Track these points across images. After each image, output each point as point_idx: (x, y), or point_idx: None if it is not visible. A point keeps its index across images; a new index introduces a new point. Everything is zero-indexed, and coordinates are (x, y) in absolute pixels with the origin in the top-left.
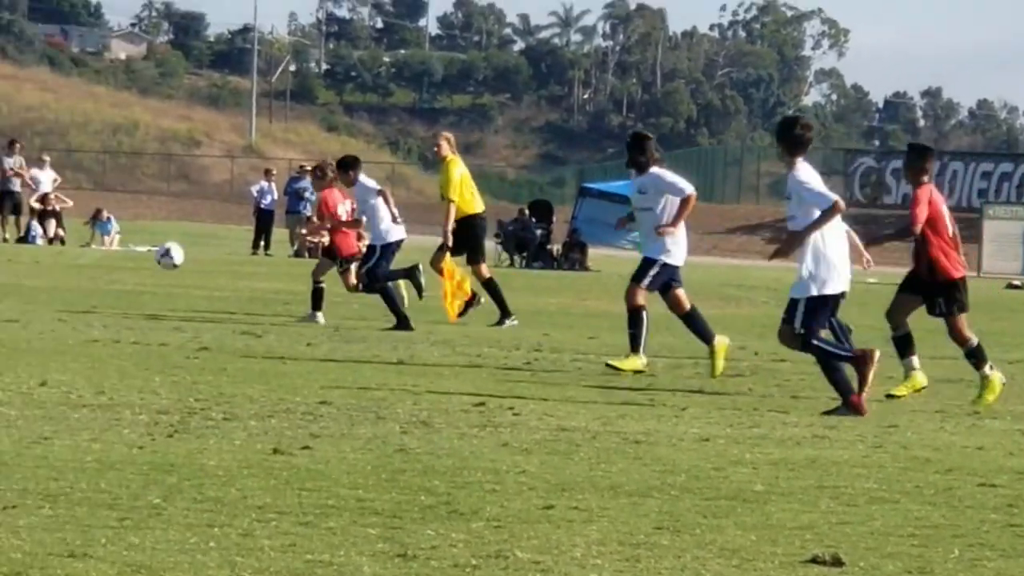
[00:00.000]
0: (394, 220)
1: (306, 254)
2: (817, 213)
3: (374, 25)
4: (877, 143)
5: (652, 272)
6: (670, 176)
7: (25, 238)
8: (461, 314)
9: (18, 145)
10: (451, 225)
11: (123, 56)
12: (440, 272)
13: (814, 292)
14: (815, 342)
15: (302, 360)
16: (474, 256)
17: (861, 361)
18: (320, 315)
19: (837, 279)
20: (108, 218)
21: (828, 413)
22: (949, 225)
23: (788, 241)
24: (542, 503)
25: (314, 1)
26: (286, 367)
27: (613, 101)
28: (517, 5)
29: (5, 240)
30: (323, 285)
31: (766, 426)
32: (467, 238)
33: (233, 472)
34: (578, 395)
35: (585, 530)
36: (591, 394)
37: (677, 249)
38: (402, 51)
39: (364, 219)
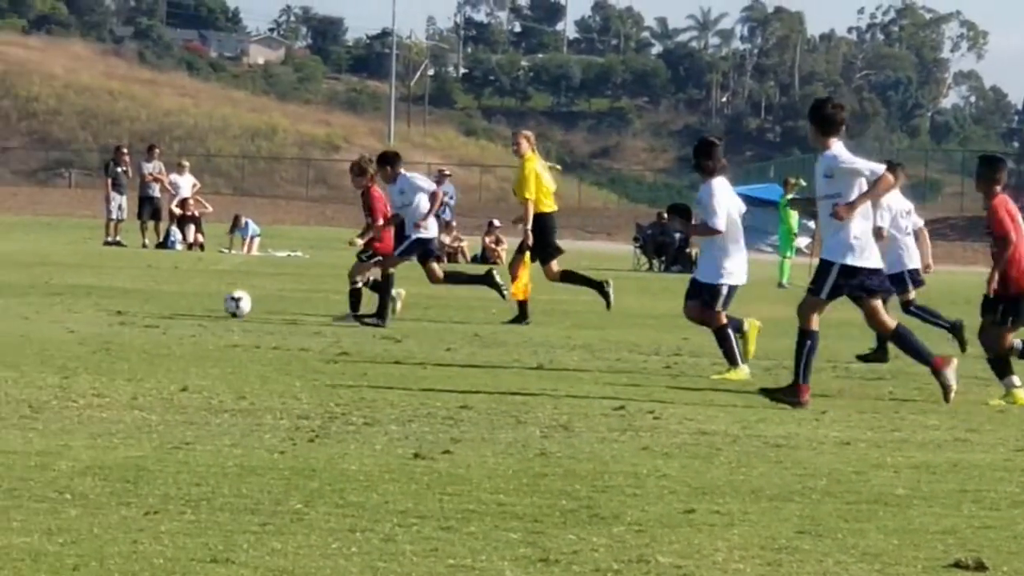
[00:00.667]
0: (424, 217)
1: (444, 258)
2: (866, 186)
3: (512, 29)
4: (1016, 145)
5: (722, 297)
6: (714, 199)
7: (165, 243)
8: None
9: (157, 150)
10: (531, 224)
11: (261, 61)
12: (515, 276)
13: (849, 260)
14: (811, 329)
15: (442, 365)
16: (544, 256)
17: (796, 392)
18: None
19: (868, 255)
20: (246, 223)
21: (767, 393)
22: None
23: (849, 206)
24: (683, 507)
25: (452, 5)
26: (426, 372)
27: (751, 104)
28: (655, 8)
29: (145, 246)
30: (359, 286)
31: (907, 430)
32: (537, 237)
33: (374, 477)
34: (718, 399)
35: (726, 534)
36: (731, 398)
37: (738, 269)
38: (540, 55)
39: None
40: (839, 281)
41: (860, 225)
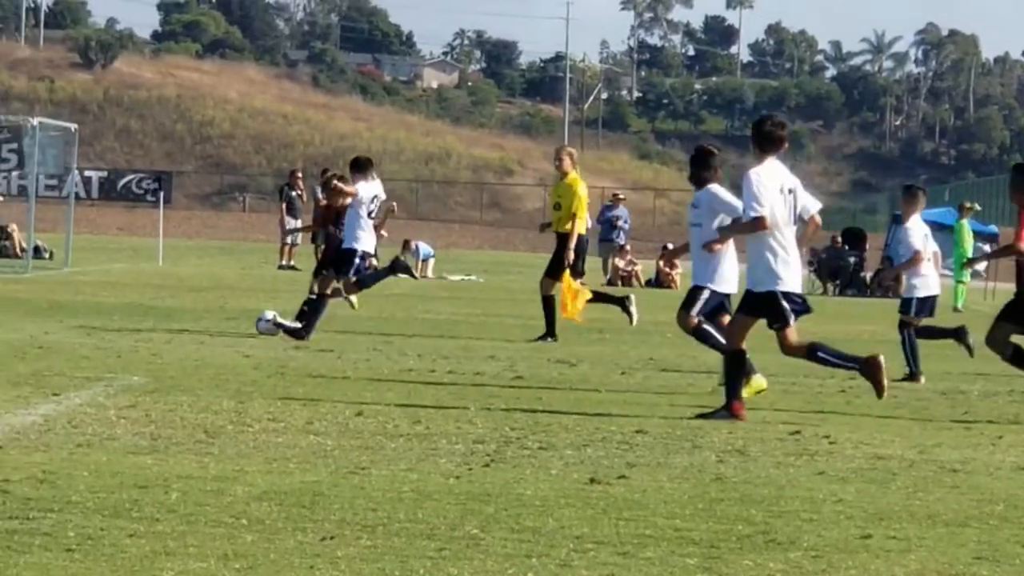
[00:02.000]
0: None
1: (619, 282)
2: (782, 209)
3: (686, 52)
4: None
5: (701, 300)
6: (726, 196)
7: None
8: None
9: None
10: (574, 242)
11: (435, 85)
12: (572, 295)
13: (781, 287)
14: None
15: (617, 389)
16: (553, 271)
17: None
18: (353, 299)
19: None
20: (416, 246)
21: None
22: None
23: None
24: (860, 532)
25: (626, 29)
26: (601, 396)
27: (925, 127)
28: (829, 32)
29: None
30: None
31: None
32: (559, 253)
33: (550, 502)
34: (893, 423)
35: (903, 560)
36: (906, 422)
37: (724, 276)
38: (714, 78)
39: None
40: (792, 300)
41: (794, 250)
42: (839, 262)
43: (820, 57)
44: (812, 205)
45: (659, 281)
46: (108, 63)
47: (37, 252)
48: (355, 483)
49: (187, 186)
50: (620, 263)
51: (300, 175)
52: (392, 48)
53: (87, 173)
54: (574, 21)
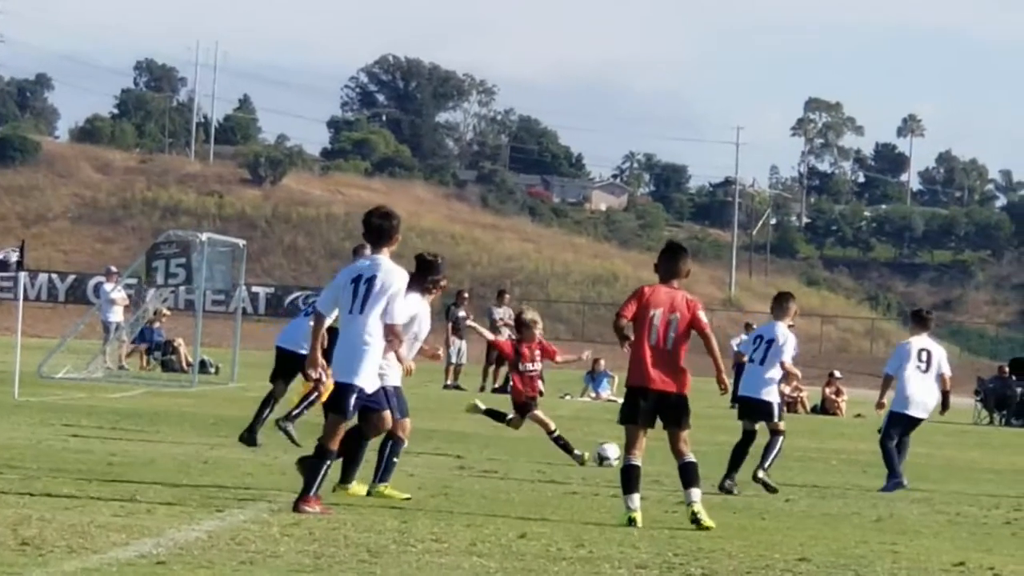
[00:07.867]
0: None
1: (785, 408)
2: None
3: (855, 180)
4: None
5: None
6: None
7: (504, 388)
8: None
9: (507, 296)
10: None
11: (604, 207)
12: None
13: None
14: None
15: (780, 516)
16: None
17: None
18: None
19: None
20: (604, 371)
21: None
22: (655, 331)
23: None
24: None
25: (796, 155)
26: (764, 523)
27: None
28: (999, 161)
29: (483, 389)
30: None
31: None
32: None
33: None
34: None
35: None
36: None
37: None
38: (883, 206)
39: None
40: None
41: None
42: (1006, 392)
43: (991, 186)
44: (395, 316)
45: (824, 408)
46: (277, 180)
47: (203, 367)
48: None
49: None
50: (786, 389)
51: (467, 295)
52: (561, 170)
53: (254, 289)
54: (744, 146)
